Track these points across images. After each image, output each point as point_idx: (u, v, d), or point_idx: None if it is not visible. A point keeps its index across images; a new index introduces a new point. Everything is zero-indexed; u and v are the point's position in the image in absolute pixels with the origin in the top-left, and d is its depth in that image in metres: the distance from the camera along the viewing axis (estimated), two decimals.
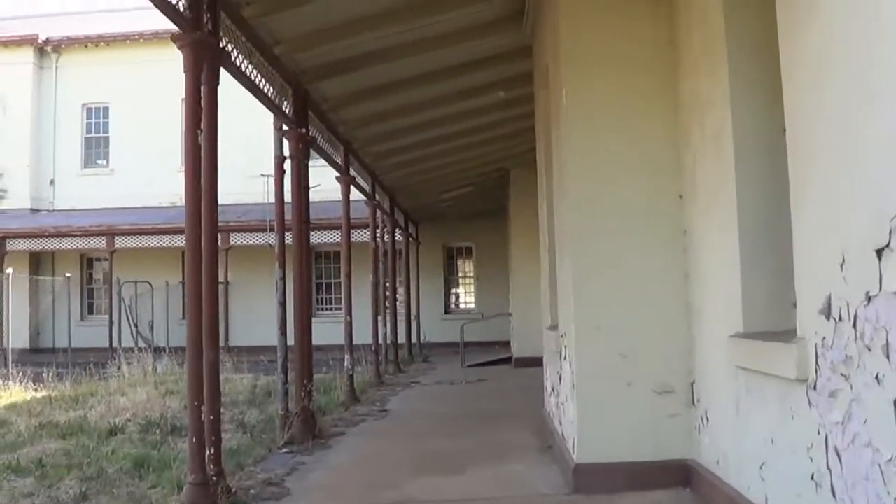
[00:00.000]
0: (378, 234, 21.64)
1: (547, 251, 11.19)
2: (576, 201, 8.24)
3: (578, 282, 8.16)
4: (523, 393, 16.42)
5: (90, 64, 35.11)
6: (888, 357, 3.88)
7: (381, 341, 21.35)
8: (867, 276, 4.04)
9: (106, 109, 35.72)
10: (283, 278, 11.54)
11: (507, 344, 28.03)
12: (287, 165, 11.82)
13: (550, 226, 10.67)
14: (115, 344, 28.96)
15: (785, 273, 6.01)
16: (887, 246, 3.84)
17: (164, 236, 30.54)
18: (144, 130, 33.59)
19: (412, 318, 29.18)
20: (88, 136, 36.10)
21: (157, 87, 32.42)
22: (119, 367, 20.76)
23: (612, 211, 8.15)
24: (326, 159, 14.98)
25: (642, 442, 7.92)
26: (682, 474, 7.78)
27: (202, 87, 7.87)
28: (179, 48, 7.64)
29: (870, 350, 4.05)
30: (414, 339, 29.31)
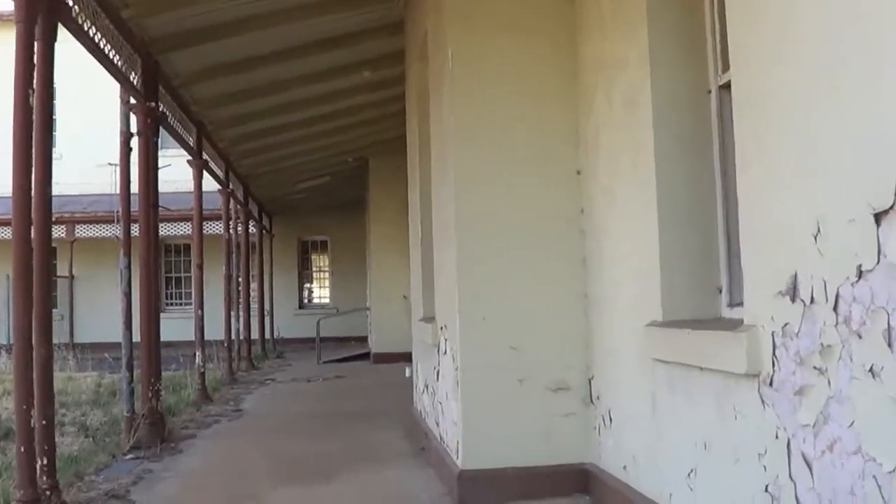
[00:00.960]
0: (231, 226, 20.58)
1: (420, 240, 10.34)
2: (460, 179, 7.35)
3: (462, 268, 7.28)
4: (386, 390, 15.72)
5: None
6: (890, 344, 3.15)
7: (233, 337, 20.34)
8: (857, 247, 3.31)
9: None
10: (129, 267, 10.46)
11: (363, 339, 27.52)
12: (134, 143, 10.73)
13: (425, 211, 9.85)
14: None
15: (708, 254, 5.36)
16: (892, 208, 3.11)
17: (4, 227, 28.71)
18: None
19: (265, 313, 28.06)
20: None
21: None
22: None
23: (500, 190, 7.31)
24: (178, 140, 13.92)
25: (535, 445, 7.12)
26: (580, 480, 7.04)
27: (36, 43, 6.82)
28: None
29: (860, 337, 3.32)
30: (267, 335, 28.22)
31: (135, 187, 10.72)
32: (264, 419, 13.08)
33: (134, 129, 10.72)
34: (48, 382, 6.88)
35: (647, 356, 5.66)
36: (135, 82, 10.32)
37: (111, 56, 9.33)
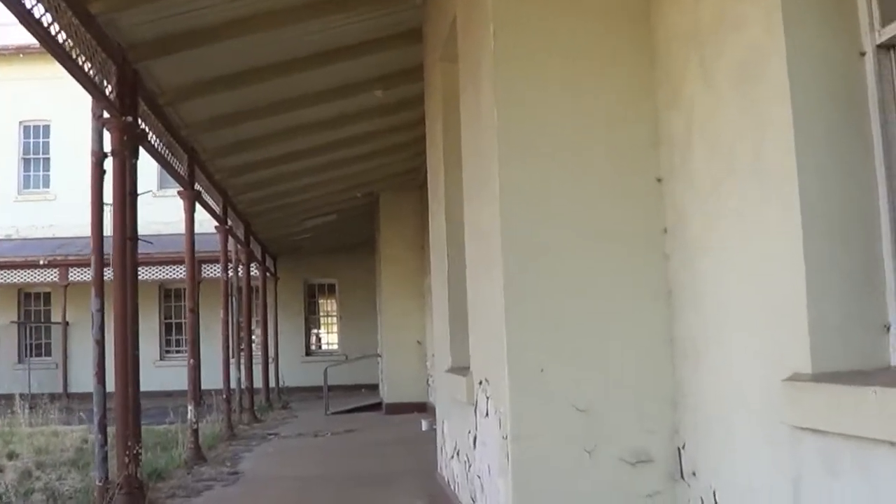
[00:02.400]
0: (231, 266, 19.09)
1: (447, 274, 8.75)
2: (506, 192, 5.73)
3: (512, 307, 5.64)
4: (402, 446, 14.24)
5: None
6: None
7: (234, 386, 18.85)
8: None
9: None
10: (102, 309, 8.92)
11: (374, 387, 26.28)
12: (109, 165, 9.19)
13: (454, 239, 8.25)
14: None
15: (870, 278, 3.77)
16: None
17: None
18: None
19: (270, 360, 26.60)
20: None
21: None
22: None
23: (558, 206, 5.71)
24: (167, 168, 12.43)
25: None
26: None
27: None
28: None
29: None
30: (272, 384, 26.80)
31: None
32: (263, 484, 11.51)
33: (108, 148, 9.18)
34: None
35: (785, 423, 4.01)
36: (108, 93, 8.77)
37: (78, 60, 7.82)
